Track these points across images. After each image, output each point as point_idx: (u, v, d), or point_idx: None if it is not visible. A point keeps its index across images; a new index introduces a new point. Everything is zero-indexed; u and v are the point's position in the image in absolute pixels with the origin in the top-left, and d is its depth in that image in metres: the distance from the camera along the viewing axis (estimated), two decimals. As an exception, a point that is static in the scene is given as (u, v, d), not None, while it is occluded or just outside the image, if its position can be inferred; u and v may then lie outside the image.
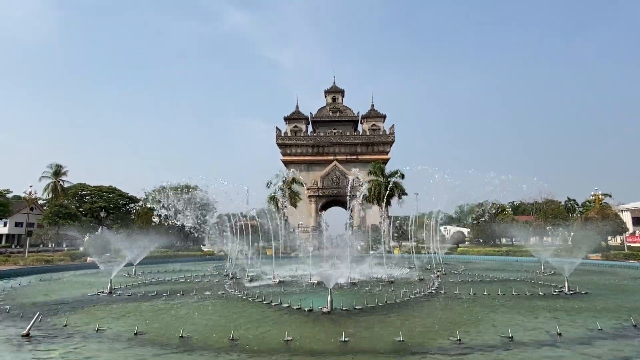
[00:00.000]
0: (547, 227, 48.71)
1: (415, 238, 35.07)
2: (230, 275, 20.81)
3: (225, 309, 11.92)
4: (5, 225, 78.35)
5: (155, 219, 38.74)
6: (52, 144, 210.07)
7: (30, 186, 43.56)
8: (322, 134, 69.09)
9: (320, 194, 65.89)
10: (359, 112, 71.97)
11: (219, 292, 15.17)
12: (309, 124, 72.45)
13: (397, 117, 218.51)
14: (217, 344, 7.95)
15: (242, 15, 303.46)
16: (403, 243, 46.71)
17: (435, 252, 28.15)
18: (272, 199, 46.69)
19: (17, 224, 78.78)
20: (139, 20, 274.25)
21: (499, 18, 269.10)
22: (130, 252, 22.36)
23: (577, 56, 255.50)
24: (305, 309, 11.18)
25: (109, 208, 64.06)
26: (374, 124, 69.72)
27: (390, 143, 67.92)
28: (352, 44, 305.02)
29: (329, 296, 11.07)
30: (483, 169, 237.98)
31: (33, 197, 44.87)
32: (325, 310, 10.86)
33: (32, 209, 56.47)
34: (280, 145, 68.70)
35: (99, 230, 59.97)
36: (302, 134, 69.80)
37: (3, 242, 74.91)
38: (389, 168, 58.68)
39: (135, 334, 8.54)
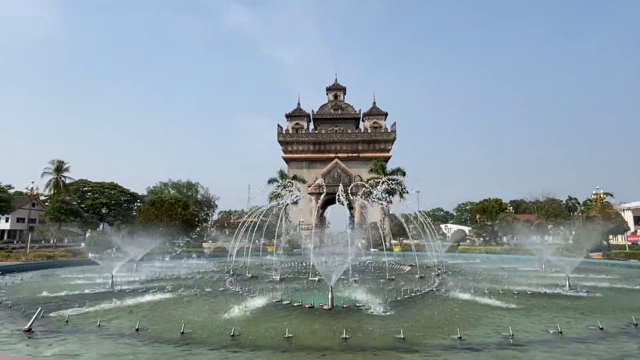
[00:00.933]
0: (549, 226, 48.60)
1: (416, 236, 35.03)
2: (232, 272, 20.88)
3: (226, 306, 11.95)
4: (7, 220, 78.72)
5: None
6: (54, 140, 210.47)
7: (32, 182, 43.77)
8: (323, 132, 68.95)
9: (321, 191, 65.86)
10: (360, 110, 71.80)
11: (220, 289, 15.22)
12: (310, 121, 72.24)
13: (398, 115, 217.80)
14: (218, 340, 7.96)
15: (244, 13, 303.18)
16: (404, 241, 46.59)
17: (436, 251, 28.15)
18: (274, 196, 46.71)
19: (18, 220, 79.12)
20: (140, 17, 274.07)
21: (501, 16, 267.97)
22: (131, 248, 22.43)
23: (580, 54, 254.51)
24: (306, 306, 11.22)
25: (110, 204, 64.31)
26: (375, 122, 69.54)
27: (392, 141, 67.78)
28: (354, 41, 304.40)
29: (330, 293, 11.10)
30: (485, 167, 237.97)
31: (35, 193, 45.03)
32: (326, 307, 10.90)
33: (33, 204, 56.61)
34: (281, 143, 68.59)
35: (101, 226, 60.15)
36: (303, 132, 69.61)
37: (5, 237, 75.13)
38: (390, 166, 58.73)
39: (137, 329, 8.58)
